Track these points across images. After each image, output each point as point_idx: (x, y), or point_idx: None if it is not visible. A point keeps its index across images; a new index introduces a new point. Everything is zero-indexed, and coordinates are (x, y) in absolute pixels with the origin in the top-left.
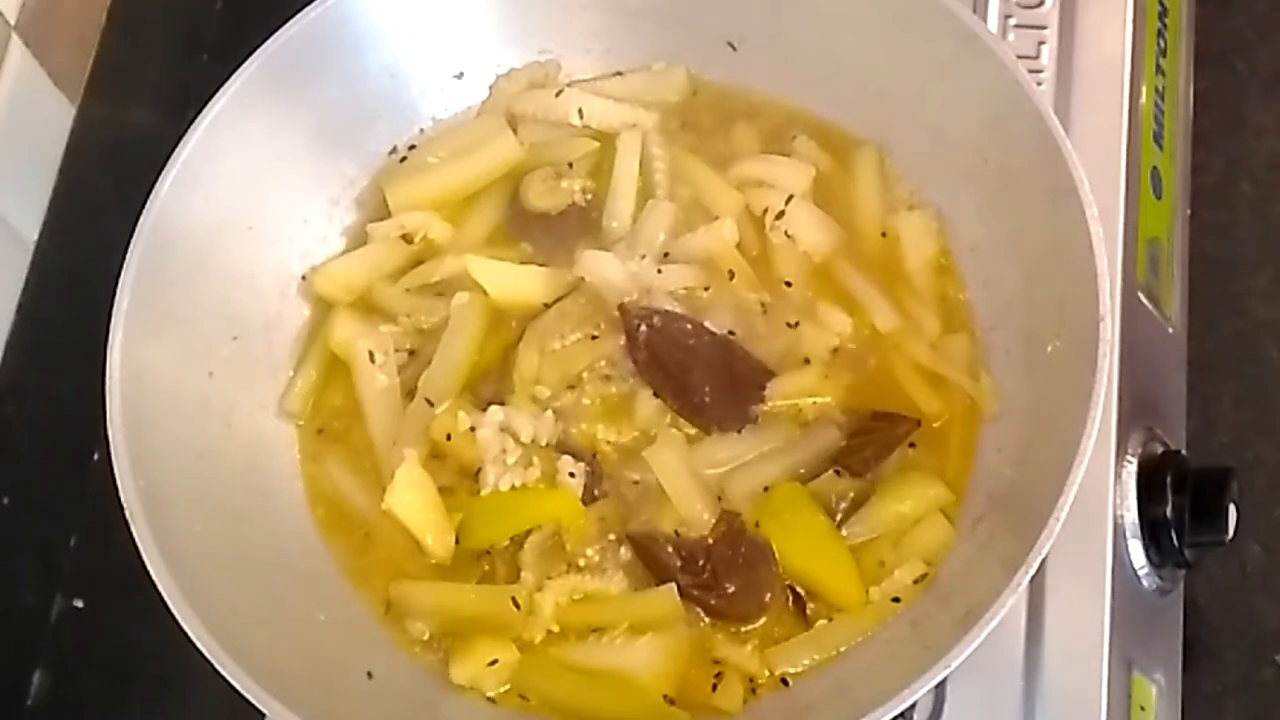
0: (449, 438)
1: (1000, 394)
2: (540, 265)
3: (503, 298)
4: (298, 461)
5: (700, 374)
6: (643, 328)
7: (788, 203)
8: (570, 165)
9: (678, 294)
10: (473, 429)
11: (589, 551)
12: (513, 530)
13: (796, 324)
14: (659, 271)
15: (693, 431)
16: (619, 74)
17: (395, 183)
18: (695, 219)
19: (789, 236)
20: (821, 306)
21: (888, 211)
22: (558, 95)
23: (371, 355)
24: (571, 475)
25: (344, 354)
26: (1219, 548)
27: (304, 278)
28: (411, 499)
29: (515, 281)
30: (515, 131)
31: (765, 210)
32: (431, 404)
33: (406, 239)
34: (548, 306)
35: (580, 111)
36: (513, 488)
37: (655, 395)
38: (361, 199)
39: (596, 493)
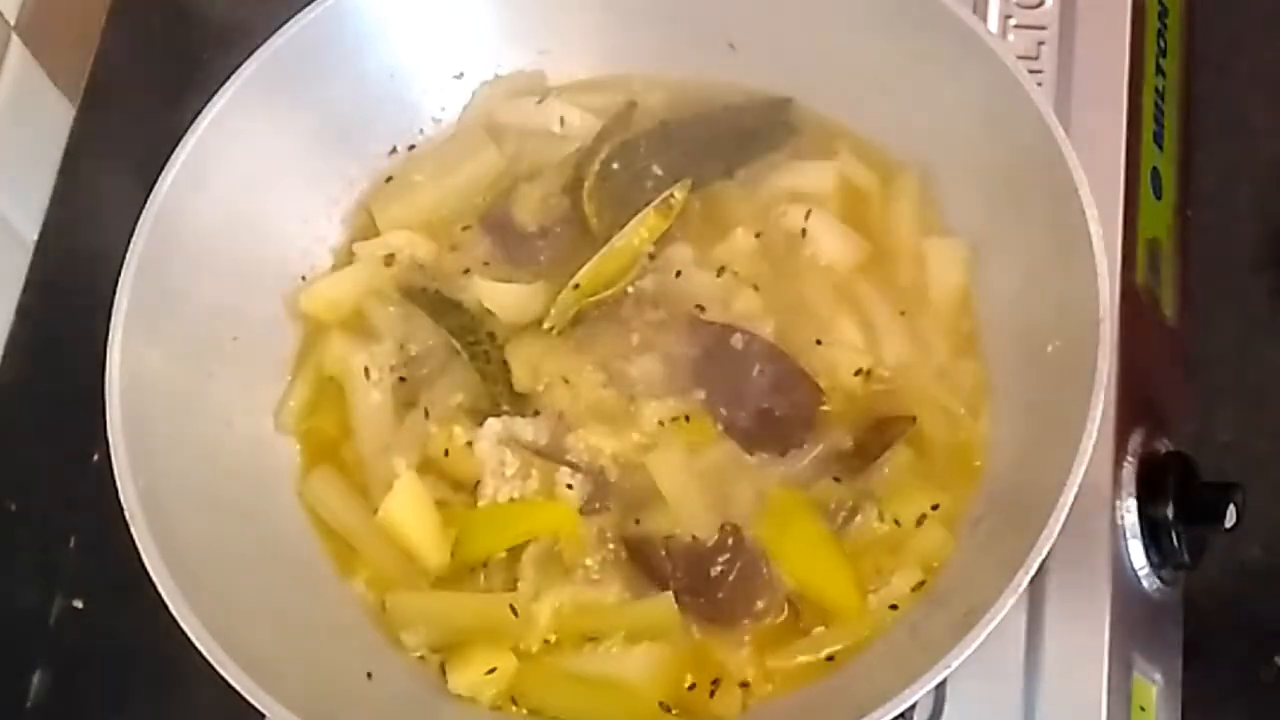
0: (446, 453)
1: (994, 436)
2: (544, 281)
3: (513, 320)
4: (297, 462)
5: (761, 398)
6: (729, 342)
7: (807, 217)
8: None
9: (699, 305)
10: (469, 444)
11: (587, 561)
12: (510, 542)
13: (818, 341)
14: (677, 274)
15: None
16: (600, 81)
17: (383, 203)
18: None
19: (809, 247)
20: (840, 323)
21: (919, 234)
22: (539, 103)
23: (367, 371)
24: (569, 486)
25: (337, 371)
26: (1219, 549)
27: (303, 277)
28: (407, 512)
29: (524, 302)
30: (498, 142)
31: (784, 215)
32: (428, 416)
33: (388, 260)
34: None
35: (561, 120)
36: (511, 499)
37: (716, 419)
38: (348, 218)
39: (596, 504)
